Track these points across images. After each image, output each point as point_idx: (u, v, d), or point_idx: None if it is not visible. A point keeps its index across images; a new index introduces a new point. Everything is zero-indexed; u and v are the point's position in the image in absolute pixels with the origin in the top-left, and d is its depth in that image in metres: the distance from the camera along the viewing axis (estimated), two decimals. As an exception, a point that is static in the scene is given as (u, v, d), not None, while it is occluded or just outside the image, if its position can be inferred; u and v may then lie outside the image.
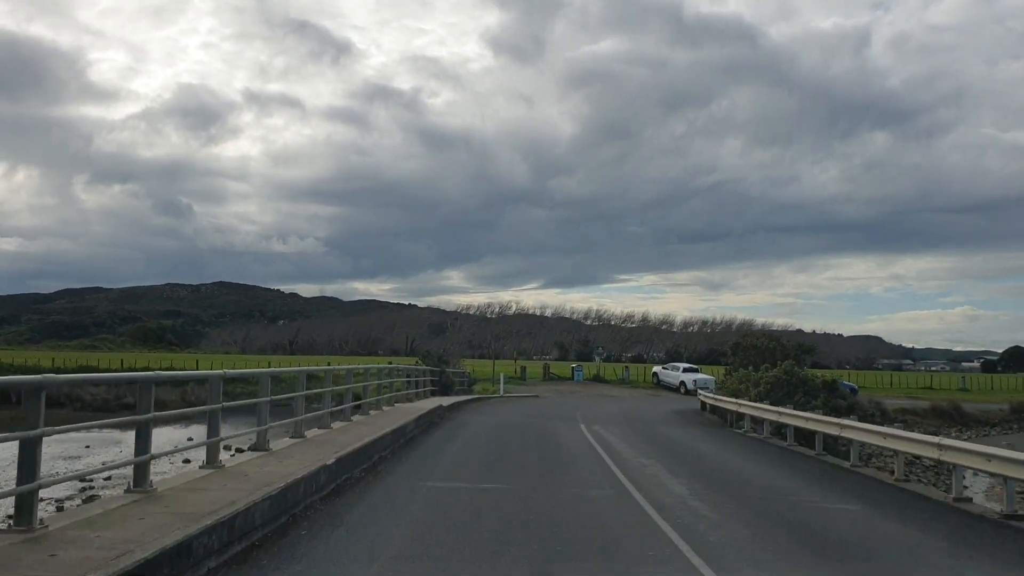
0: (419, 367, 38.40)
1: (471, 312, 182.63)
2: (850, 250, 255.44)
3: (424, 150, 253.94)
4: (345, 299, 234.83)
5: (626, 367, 69.15)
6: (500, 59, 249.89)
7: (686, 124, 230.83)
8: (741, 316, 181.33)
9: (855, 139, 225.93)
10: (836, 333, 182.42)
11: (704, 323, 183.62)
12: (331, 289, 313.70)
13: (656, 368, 66.58)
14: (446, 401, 34.20)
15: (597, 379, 66.53)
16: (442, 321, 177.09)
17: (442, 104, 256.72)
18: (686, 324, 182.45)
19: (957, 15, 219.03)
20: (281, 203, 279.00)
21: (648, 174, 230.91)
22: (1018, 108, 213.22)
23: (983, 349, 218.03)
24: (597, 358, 67.90)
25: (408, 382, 33.35)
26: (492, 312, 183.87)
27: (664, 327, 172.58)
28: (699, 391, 49.54)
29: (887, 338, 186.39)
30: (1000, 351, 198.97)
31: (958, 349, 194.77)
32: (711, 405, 38.58)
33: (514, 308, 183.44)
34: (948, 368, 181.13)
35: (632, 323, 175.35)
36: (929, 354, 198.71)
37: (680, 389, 63.10)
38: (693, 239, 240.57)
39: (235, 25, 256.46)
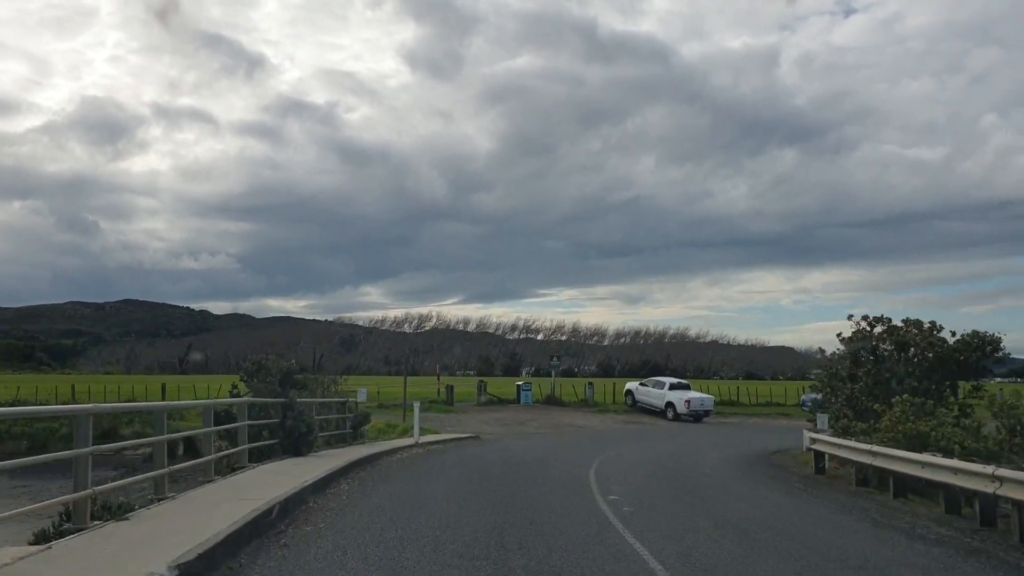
0: (239, 399, 18.03)
1: (385, 327, 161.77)
2: (761, 264, 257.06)
3: (340, 165, 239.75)
4: (258, 316, 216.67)
5: (590, 383, 50.32)
6: (417, 74, 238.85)
7: (602, 141, 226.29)
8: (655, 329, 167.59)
9: (764, 156, 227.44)
10: (749, 344, 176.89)
11: (636, 333, 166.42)
12: (245, 307, 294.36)
13: (631, 385, 47.90)
14: (277, 490, 14.18)
15: (551, 400, 47.52)
16: (353, 335, 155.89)
17: (359, 119, 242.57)
18: (618, 335, 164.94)
19: (860, 36, 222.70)
20: (192, 219, 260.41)
21: (566, 190, 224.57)
22: (920, 126, 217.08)
23: None
24: (552, 371, 48.75)
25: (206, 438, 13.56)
26: (410, 325, 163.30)
27: (595, 339, 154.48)
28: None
29: (797, 348, 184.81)
30: None
31: None
32: (836, 457, 19.84)
33: (434, 320, 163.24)
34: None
35: (562, 334, 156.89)
36: (822, 363, 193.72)
37: (667, 413, 44.22)
38: (611, 254, 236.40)
39: (144, 38, 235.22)
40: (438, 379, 50.37)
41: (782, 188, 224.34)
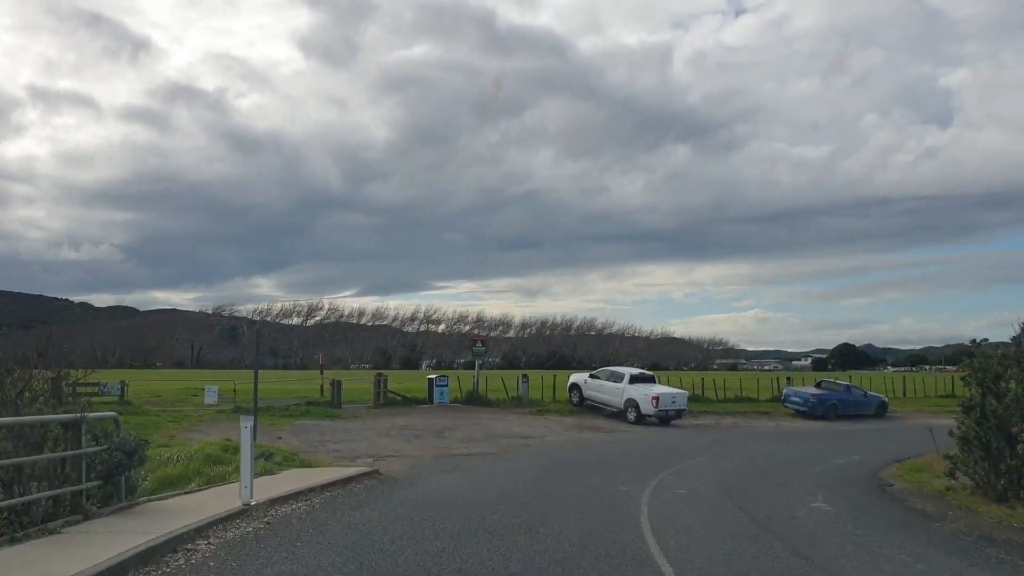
0: None
1: (270, 318, 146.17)
2: (654, 258, 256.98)
3: (231, 153, 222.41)
4: (143, 309, 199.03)
5: (523, 376, 38.00)
6: (311, 61, 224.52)
7: (500, 133, 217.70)
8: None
9: (659, 152, 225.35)
10: (655, 335, 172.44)
11: (543, 324, 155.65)
12: (130, 299, 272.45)
13: (577, 378, 36.12)
14: None
15: (472, 399, 35.34)
16: (237, 327, 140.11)
17: (250, 106, 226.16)
18: (523, 326, 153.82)
19: (750, 36, 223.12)
20: (73, 208, 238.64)
21: (465, 181, 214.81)
22: (806, 124, 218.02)
23: (814, 348, 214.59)
24: (476, 361, 35.99)
25: None
26: (298, 316, 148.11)
27: (499, 330, 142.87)
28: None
29: (682, 339, 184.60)
30: (799, 351, 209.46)
31: (752, 349, 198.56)
32: None
33: (325, 309, 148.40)
34: (781, 367, 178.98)
35: (465, 325, 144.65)
36: (729, 354, 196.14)
37: (628, 414, 32.66)
38: (510, 247, 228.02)
39: (18, 15, 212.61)
40: (321, 373, 37.58)
41: (676, 184, 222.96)
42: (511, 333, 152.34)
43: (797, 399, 38.14)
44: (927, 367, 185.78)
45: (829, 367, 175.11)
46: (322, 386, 35.96)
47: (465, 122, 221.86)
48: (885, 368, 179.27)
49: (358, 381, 41.12)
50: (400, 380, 50.47)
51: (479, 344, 37.23)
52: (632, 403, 32.64)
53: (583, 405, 34.94)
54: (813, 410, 37.23)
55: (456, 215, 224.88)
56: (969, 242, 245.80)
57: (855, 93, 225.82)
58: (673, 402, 32.68)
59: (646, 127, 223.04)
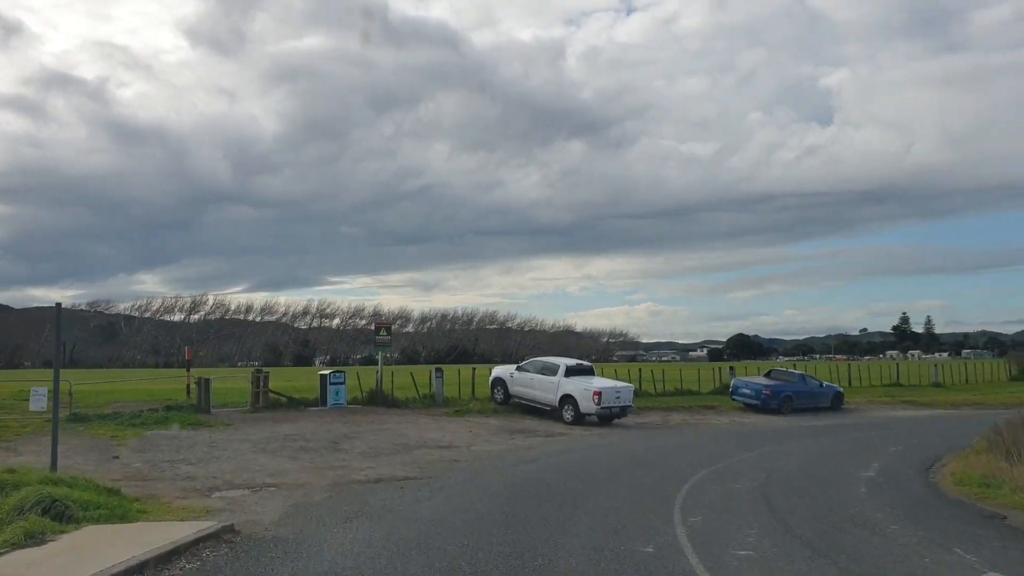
0: None
1: (149, 314, 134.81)
2: (550, 252, 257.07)
3: (113, 144, 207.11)
4: (18, 307, 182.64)
5: (437, 371, 31.43)
6: (198, 51, 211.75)
7: (395, 126, 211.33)
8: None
9: (553, 147, 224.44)
10: (557, 328, 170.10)
11: (443, 318, 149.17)
12: (4, 297, 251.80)
13: (501, 371, 29.95)
14: None
15: (376, 399, 28.84)
16: (114, 324, 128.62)
17: (133, 96, 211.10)
18: (423, 319, 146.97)
19: (641, 34, 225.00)
20: None
21: (359, 175, 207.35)
22: (695, 121, 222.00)
23: (707, 338, 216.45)
24: (379, 355, 29.10)
25: None
26: (181, 311, 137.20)
27: (398, 323, 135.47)
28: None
29: (583, 332, 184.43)
30: (690, 342, 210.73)
31: (646, 341, 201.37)
32: None
33: (211, 303, 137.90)
34: (678, 358, 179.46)
35: (361, 319, 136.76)
36: (628, 346, 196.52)
37: (564, 413, 26.88)
38: (406, 241, 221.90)
39: None
40: (187, 370, 30.36)
41: (570, 179, 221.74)
42: (410, 327, 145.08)
43: (748, 391, 33.11)
44: (816, 356, 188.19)
45: (724, 357, 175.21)
46: (188, 386, 28.89)
47: (359, 115, 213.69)
48: (777, 357, 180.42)
49: (235, 380, 34.04)
50: (289, 377, 43.48)
51: (383, 332, 30.66)
52: (569, 399, 26.86)
53: (508, 403, 28.96)
54: (766, 403, 32.29)
55: (350, 209, 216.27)
56: (848, 236, 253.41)
57: (741, 92, 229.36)
58: (617, 397, 27.04)
59: (541, 122, 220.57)
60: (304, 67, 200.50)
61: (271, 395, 27.68)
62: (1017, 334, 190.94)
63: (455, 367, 39.61)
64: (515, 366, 29.66)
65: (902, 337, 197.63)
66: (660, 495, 12.92)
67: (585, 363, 29.94)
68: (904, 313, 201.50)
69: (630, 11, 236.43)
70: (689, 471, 15.91)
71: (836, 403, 34.71)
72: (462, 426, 25.12)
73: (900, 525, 10.81)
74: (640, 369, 38.95)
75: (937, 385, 43.79)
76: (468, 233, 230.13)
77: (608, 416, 27.04)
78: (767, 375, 35.21)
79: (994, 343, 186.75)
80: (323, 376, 28.45)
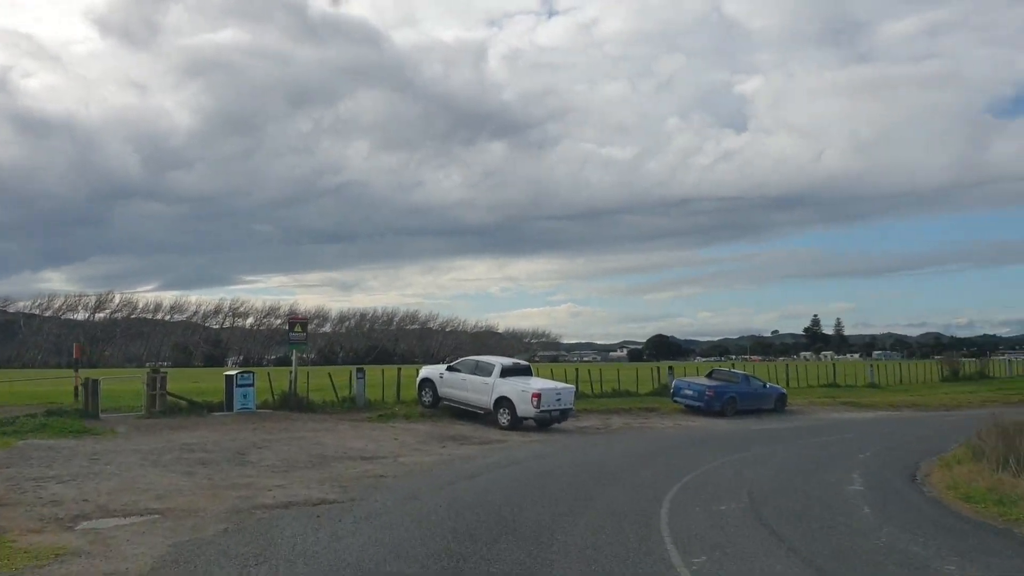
0: None
1: (51, 312, 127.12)
2: (471, 253, 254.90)
3: (16, 136, 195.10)
4: None
5: (358, 371, 28.36)
6: (108, 41, 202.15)
7: (313, 123, 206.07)
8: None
9: (475, 148, 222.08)
10: (464, 329, 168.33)
11: (362, 317, 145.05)
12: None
13: (429, 372, 27.11)
14: None
15: (289, 402, 25.77)
16: (12, 323, 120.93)
17: (39, 87, 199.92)
18: (342, 318, 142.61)
19: (562, 37, 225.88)
20: None
21: (276, 171, 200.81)
22: (614, 126, 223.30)
23: (626, 339, 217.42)
24: (294, 353, 26.08)
25: None
26: (85, 309, 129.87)
27: (315, 323, 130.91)
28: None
29: (504, 333, 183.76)
30: (609, 343, 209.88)
31: (567, 341, 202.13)
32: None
33: (117, 301, 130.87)
34: (599, 358, 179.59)
35: (276, 318, 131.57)
36: (550, 346, 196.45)
37: (499, 417, 24.43)
38: (324, 240, 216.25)
39: None
40: (75, 371, 26.72)
41: (492, 180, 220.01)
42: (327, 327, 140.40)
43: (690, 392, 31.14)
44: (732, 357, 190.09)
45: (644, 357, 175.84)
46: (76, 387, 25.41)
47: (276, 110, 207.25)
48: (694, 358, 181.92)
49: (134, 381, 30.47)
50: (195, 378, 39.94)
51: (298, 328, 27.40)
52: (505, 402, 24.33)
53: (437, 406, 26.30)
54: (710, 404, 30.36)
55: (266, 206, 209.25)
56: (761, 240, 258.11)
57: (659, 97, 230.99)
58: (558, 399, 24.66)
59: (462, 123, 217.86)
60: (220, 61, 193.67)
61: (169, 398, 24.42)
62: (921, 336, 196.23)
63: (378, 367, 36.72)
64: (445, 366, 26.99)
65: (814, 339, 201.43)
66: (640, 521, 10.52)
67: (522, 362, 27.50)
68: (815, 315, 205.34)
69: (551, 14, 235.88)
70: (659, 488, 13.56)
71: (779, 405, 33.07)
72: (387, 433, 22.38)
73: (953, 564, 8.62)
74: (577, 369, 36.73)
75: (873, 386, 42.80)
76: (388, 232, 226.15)
77: (547, 420, 24.67)
78: (709, 375, 33.36)
79: (901, 345, 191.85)
80: (229, 377, 25.28)
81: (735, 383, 31.99)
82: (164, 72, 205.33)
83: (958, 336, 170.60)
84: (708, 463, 17.43)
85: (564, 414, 25.01)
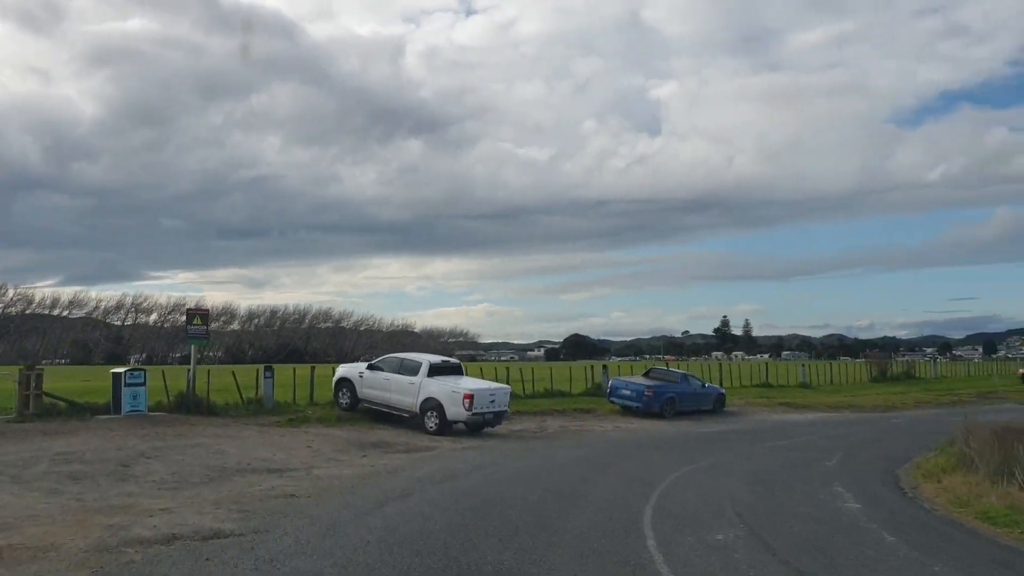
0: None
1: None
2: (387, 251, 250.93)
3: None
4: None
5: (266, 369, 25.55)
6: (6, 26, 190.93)
7: (224, 115, 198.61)
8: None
9: (392, 144, 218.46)
10: (380, 328, 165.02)
11: (273, 314, 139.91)
12: None
13: (347, 370, 24.23)
14: None
15: (186, 404, 22.67)
16: None
17: None
18: (251, 315, 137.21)
19: (480, 36, 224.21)
20: None
21: (186, 164, 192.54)
22: (531, 126, 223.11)
23: (542, 339, 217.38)
24: (193, 349, 23.24)
25: None
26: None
27: (222, 320, 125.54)
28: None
29: (421, 332, 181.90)
30: (526, 342, 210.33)
31: (484, 341, 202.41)
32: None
33: (11, 295, 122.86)
34: (517, 357, 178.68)
35: (182, 313, 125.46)
36: (468, 346, 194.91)
37: (427, 421, 21.96)
38: (234, 235, 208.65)
39: None
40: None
41: (409, 177, 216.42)
42: (236, 324, 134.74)
43: (628, 392, 29.12)
44: (646, 356, 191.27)
45: (561, 357, 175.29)
46: (-63, 389, 21.87)
47: (186, 102, 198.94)
48: (609, 357, 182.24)
49: (4, 379, 26.77)
50: (88, 376, 36.19)
51: (197, 320, 24.10)
52: (433, 405, 21.81)
53: (356, 408, 23.61)
54: (648, 405, 28.42)
55: (174, 200, 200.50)
56: (673, 243, 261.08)
57: (576, 99, 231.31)
58: (492, 401, 22.27)
59: (379, 119, 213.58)
60: (128, 50, 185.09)
61: (46, 398, 21.11)
62: (825, 337, 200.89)
63: (289, 366, 33.72)
64: (365, 364, 24.27)
65: (723, 339, 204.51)
66: (630, 562, 8.20)
67: (453, 360, 25.05)
68: (725, 316, 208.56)
69: (469, 13, 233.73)
70: (632, 510, 11.31)
71: (718, 406, 31.39)
72: (299, 440, 19.64)
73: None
74: (508, 368, 34.35)
75: (805, 386, 41.68)
76: (302, 229, 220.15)
77: (480, 424, 22.27)
78: (647, 375, 31.44)
79: (806, 345, 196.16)
80: (117, 375, 22.01)
81: (674, 383, 30.14)
82: (68, 60, 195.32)
83: (860, 338, 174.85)
84: (670, 474, 15.29)
85: (498, 417, 22.65)
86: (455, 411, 21.58)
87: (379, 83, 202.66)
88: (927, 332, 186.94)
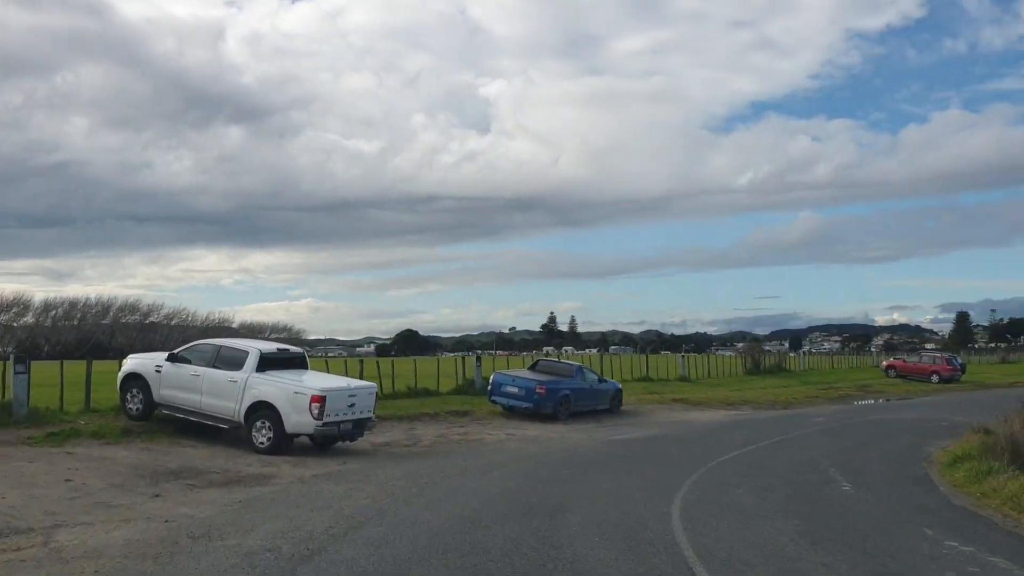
0: None
1: None
2: (203, 242, 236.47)
3: None
4: None
5: (17, 362, 18.14)
6: None
7: (24, 95, 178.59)
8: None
9: (210, 131, 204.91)
10: (194, 323, 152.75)
11: (72, 306, 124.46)
12: None
13: (138, 365, 16.88)
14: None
15: None
16: None
17: None
18: (47, 307, 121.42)
19: (306, 24, 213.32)
20: None
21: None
22: (359, 118, 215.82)
23: (364, 336, 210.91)
24: None
25: None
26: None
27: (12, 313, 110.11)
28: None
29: (240, 327, 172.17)
30: (353, 339, 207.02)
31: (310, 337, 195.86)
32: None
33: None
34: (345, 354, 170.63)
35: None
36: (290, 342, 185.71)
37: (256, 435, 15.02)
38: (34, 224, 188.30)
39: None
40: None
41: (228, 166, 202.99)
42: (29, 317, 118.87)
43: (515, 389, 23.03)
44: (479, 351, 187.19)
45: (392, 353, 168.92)
46: None
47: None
48: (441, 353, 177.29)
49: None
50: None
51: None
52: (265, 410, 15.03)
53: (151, 416, 16.37)
54: (540, 405, 22.57)
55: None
56: (501, 240, 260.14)
57: (405, 93, 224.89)
58: (351, 405, 15.62)
59: (196, 104, 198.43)
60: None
61: None
62: (643, 333, 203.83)
63: (54, 362, 25.59)
64: (167, 354, 16.93)
65: (550, 335, 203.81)
66: None
67: (294, 349, 18.11)
68: (552, 313, 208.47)
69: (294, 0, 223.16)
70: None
71: (615, 404, 25.99)
72: (57, 468, 12.44)
73: None
74: (362, 362, 27.53)
75: (684, 379, 37.22)
76: (109, 218, 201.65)
77: (333, 437, 15.65)
78: (534, 367, 25.54)
79: (628, 341, 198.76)
80: None
81: (568, 377, 24.37)
82: None
83: (676, 334, 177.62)
84: (676, 526, 9.41)
85: (359, 427, 16.06)
86: (298, 420, 14.87)
87: (197, 67, 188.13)
88: (735, 328, 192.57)
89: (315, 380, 15.92)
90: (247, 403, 15.28)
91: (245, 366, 15.64)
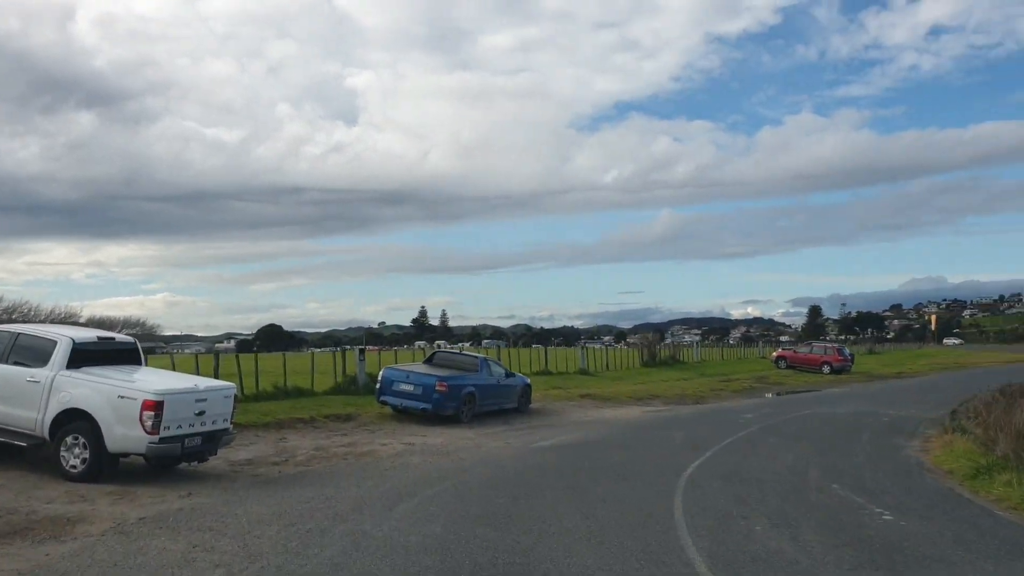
0: None
1: None
2: (51, 234, 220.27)
3: None
4: None
5: None
6: None
7: None
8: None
9: (59, 116, 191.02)
10: (34, 318, 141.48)
11: None
12: None
13: None
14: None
15: None
16: None
17: None
18: None
19: (163, 8, 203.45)
20: None
21: None
22: (219, 105, 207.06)
23: (224, 332, 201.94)
24: None
25: None
26: None
27: None
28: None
29: (90, 321, 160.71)
30: (212, 334, 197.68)
31: (166, 333, 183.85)
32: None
33: None
34: (204, 350, 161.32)
35: None
36: (148, 338, 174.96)
37: (67, 454, 10.52)
38: None
39: None
40: None
41: (79, 153, 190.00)
42: None
43: (410, 387, 19.03)
44: (348, 347, 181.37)
45: (255, 349, 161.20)
46: None
47: None
48: (307, 349, 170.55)
49: None
50: None
51: None
52: (79, 422, 10.68)
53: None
54: (441, 406, 18.73)
55: None
56: (370, 234, 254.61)
57: (269, 81, 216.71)
58: (201, 412, 11.38)
59: (43, 87, 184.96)
60: None
61: None
62: (513, 327, 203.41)
63: None
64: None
65: (422, 329, 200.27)
66: None
67: (123, 338, 13.55)
68: (423, 307, 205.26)
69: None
70: None
71: (524, 401, 22.40)
72: None
73: None
74: (218, 356, 22.92)
75: (584, 372, 34.13)
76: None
77: (175, 456, 11.34)
78: (429, 361, 21.61)
79: (500, 335, 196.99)
80: None
81: (473, 372, 20.54)
82: None
83: (545, 327, 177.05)
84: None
85: (212, 441, 11.80)
86: (124, 434, 10.57)
87: (44, 48, 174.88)
88: (601, 322, 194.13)
89: (150, 380, 11.55)
90: (54, 411, 10.88)
91: (51, 361, 11.18)
